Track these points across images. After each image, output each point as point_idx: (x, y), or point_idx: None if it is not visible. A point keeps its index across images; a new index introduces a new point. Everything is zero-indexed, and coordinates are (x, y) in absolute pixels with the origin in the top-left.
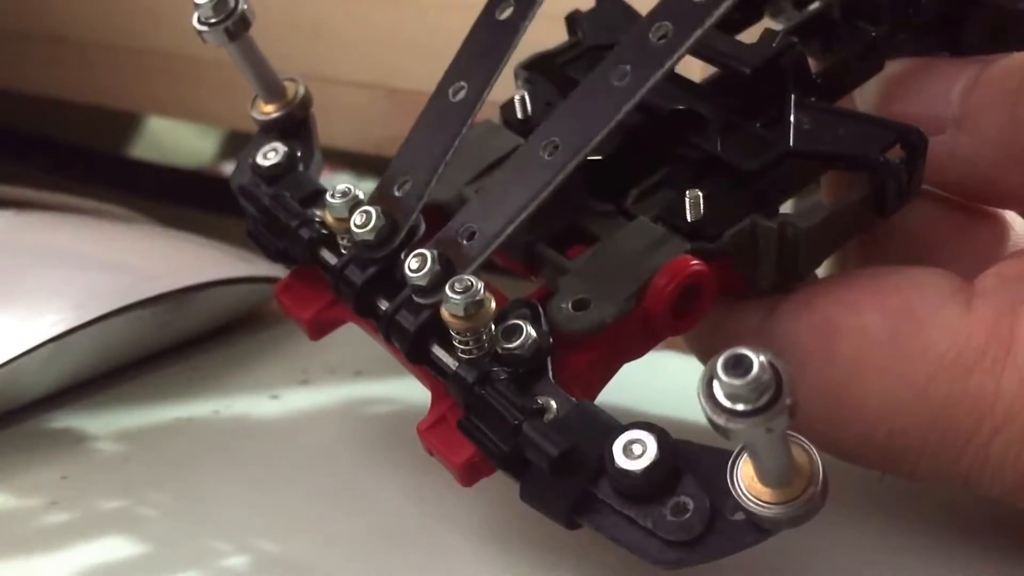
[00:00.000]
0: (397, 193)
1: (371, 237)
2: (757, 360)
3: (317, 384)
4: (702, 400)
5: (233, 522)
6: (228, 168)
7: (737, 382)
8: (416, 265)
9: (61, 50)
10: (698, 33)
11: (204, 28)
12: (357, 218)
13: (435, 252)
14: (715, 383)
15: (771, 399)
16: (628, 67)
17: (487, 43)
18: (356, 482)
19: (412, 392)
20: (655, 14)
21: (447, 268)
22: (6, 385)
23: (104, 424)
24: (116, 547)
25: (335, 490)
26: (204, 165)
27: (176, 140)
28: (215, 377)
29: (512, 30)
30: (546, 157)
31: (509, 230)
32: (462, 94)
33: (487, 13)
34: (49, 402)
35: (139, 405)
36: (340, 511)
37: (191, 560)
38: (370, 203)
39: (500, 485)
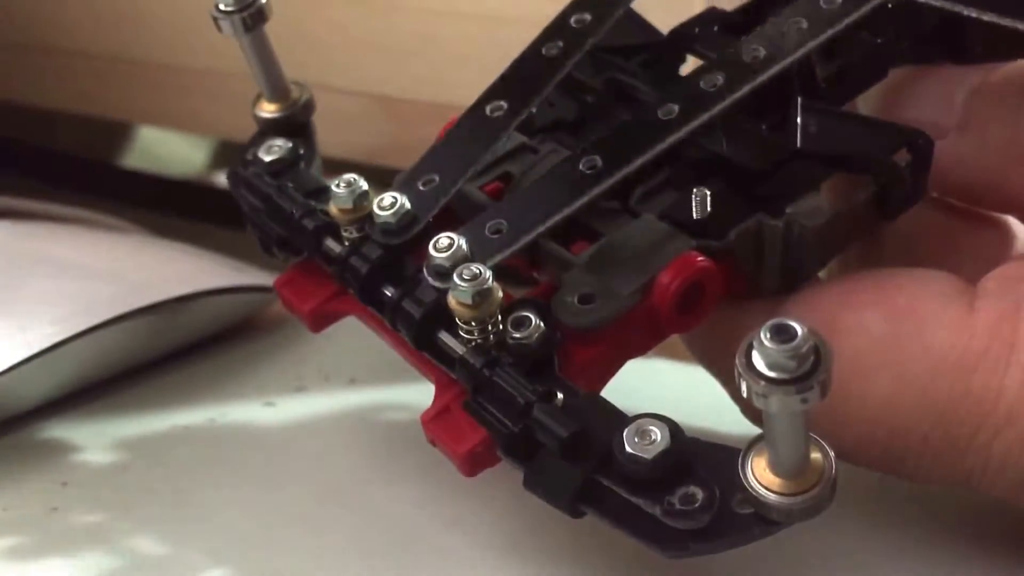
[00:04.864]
0: (421, 188)
1: (393, 220)
2: (801, 329)
3: (312, 391)
4: (740, 370)
5: (231, 529)
6: (219, 178)
7: (780, 348)
8: (444, 244)
9: (53, 61)
10: (746, 89)
11: (220, 16)
12: (386, 200)
13: (463, 238)
14: (755, 352)
15: (810, 369)
16: (676, 107)
17: (530, 74)
18: (352, 488)
19: (407, 398)
20: (709, 67)
21: (470, 255)
22: (2, 395)
23: (103, 432)
24: (116, 553)
25: (332, 496)
26: (195, 174)
27: (167, 150)
28: (211, 385)
29: (556, 66)
30: (585, 172)
31: (537, 232)
32: (499, 113)
33: (534, 47)
34: (47, 411)
35: (137, 413)
36: (337, 517)
37: (189, 567)
38: (394, 190)
39: (499, 492)
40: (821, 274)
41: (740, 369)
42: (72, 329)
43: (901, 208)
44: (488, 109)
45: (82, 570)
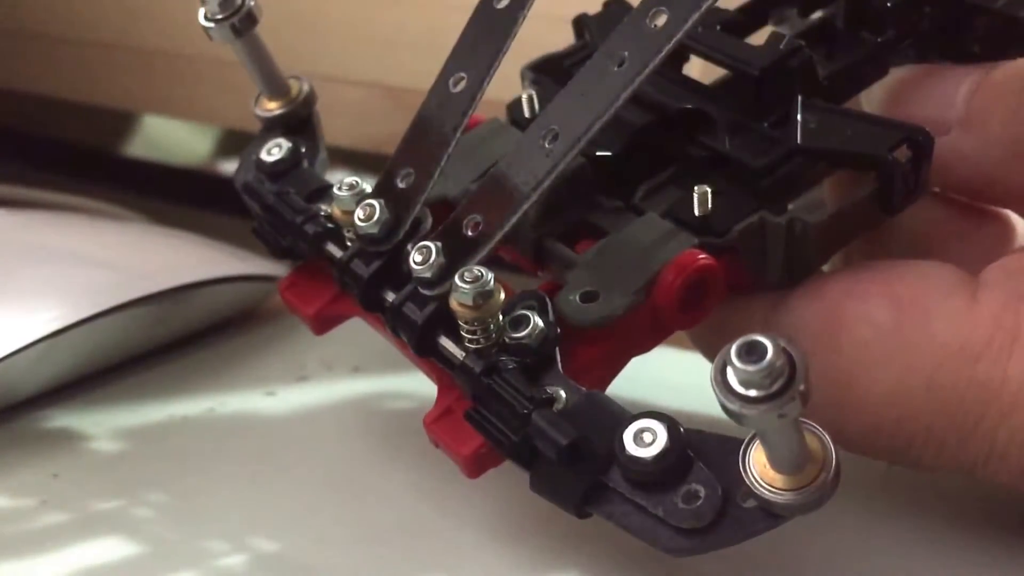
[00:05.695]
0: (400, 185)
1: (375, 230)
2: (771, 346)
3: (315, 380)
4: (715, 387)
5: (229, 520)
6: (224, 166)
7: (751, 368)
8: (420, 258)
9: (58, 49)
10: (695, 17)
11: (210, 25)
12: (361, 212)
13: (439, 244)
14: (728, 369)
15: (784, 385)
16: (626, 53)
17: (486, 33)
18: (354, 478)
19: (411, 387)
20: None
21: (452, 260)
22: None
23: (97, 422)
24: (107, 547)
25: (333, 487)
26: (200, 163)
27: (172, 138)
28: (211, 374)
29: (510, 19)
30: (546, 146)
31: (513, 221)
32: (462, 85)
33: (485, 2)
34: (42, 400)
35: (133, 403)
36: (338, 507)
37: (185, 560)
38: (373, 196)
39: (501, 479)
40: (824, 268)
41: (716, 388)
42: (72, 317)
43: (903, 204)
44: (450, 83)
45: (73, 565)
